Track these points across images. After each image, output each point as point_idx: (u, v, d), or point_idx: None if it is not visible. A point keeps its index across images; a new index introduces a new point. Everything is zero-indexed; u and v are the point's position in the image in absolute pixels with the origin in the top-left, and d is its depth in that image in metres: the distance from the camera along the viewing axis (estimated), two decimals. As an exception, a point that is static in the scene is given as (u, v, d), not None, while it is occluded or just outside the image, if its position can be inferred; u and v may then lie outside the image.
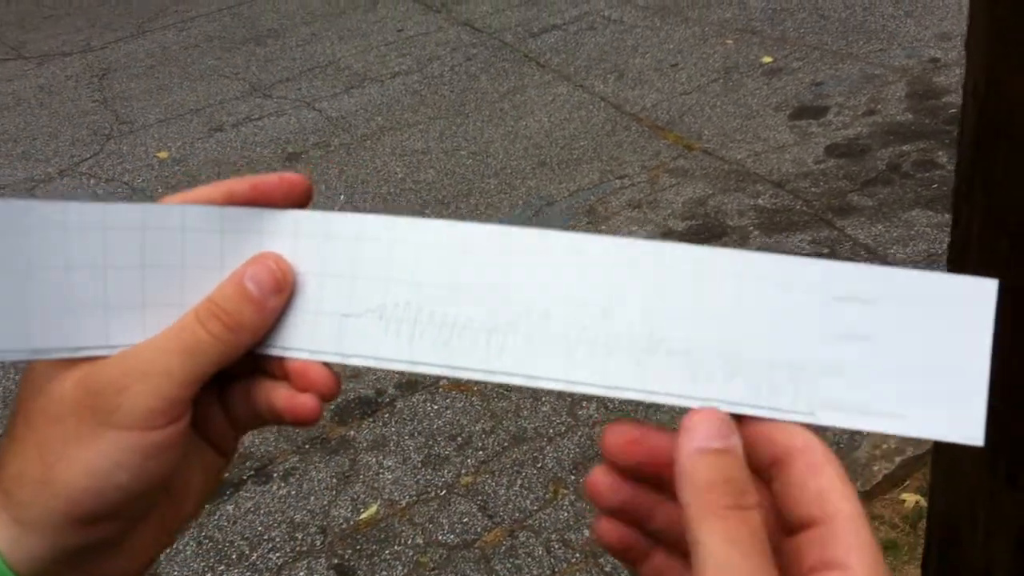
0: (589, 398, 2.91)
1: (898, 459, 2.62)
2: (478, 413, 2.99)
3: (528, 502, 2.68)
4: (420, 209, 4.20)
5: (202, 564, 2.64)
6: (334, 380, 0.49)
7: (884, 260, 3.40)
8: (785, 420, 0.42)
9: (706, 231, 3.74)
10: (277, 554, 2.63)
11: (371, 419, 3.05)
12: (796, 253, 3.45)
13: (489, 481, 2.76)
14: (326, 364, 0.49)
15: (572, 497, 2.67)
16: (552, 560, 2.50)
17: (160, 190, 4.62)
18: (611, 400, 2.84)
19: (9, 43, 6.91)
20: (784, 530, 0.40)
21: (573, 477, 2.73)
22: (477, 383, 3.02)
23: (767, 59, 5.10)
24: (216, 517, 2.76)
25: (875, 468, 2.60)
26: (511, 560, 2.52)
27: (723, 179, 4.10)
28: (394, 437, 2.96)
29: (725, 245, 3.59)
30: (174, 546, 2.68)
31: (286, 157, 4.82)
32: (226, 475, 2.84)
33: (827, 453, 0.41)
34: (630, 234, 3.78)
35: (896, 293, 0.43)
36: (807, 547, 0.39)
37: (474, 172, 4.46)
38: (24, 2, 7.78)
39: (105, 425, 0.44)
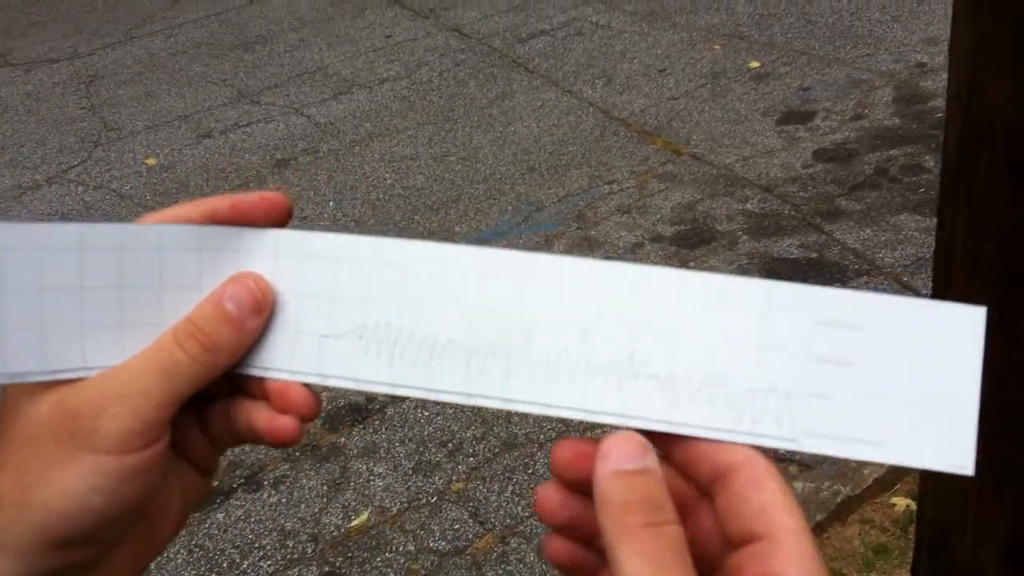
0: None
1: (887, 462, 2.63)
2: (469, 419, 2.99)
3: (519, 508, 2.68)
4: (409, 215, 4.20)
5: (193, 573, 2.63)
6: (314, 401, 0.48)
7: (872, 263, 3.42)
8: (766, 445, 0.42)
9: (695, 236, 3.75)
10: (268, 562, 2.62)
11: (361, 426, 3.05)
12: (785, 257, 3.47)
13: (480, 487, 2.76)
14: (306, 384, 0.48)
15: (563, 503, 2.67)
16: (544, 566, 2.50)
17: (148, 197, 4.61)
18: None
19: (-4, 50, 6.89)
20: (728, 546, 0.40)
21: (564, 483, 2.73)
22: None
23: (755, 64, 5.12)
24: (206, 525, 2.76)
25: (865, 472, 2.61)
26: (502, 566, 2.52)
27: (711, 184, 4.11)
28: (385, 444, 2.96)
29: (714, 250, 3.61)
30: (164, 554, 2.67)
31: (274, 163, 4.81)
32: (216, 483, 2.84)
33: (768, 467, 0.41)
34: (619, 239, 3.79)
35: (882, 319, 0.42)
36: (748, 561, 0.39)
37: (463, 178, 4.46)
38: (10, 9, 7.76)
39: (83, 448, 0.43)
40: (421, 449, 2.92)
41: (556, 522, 0.45)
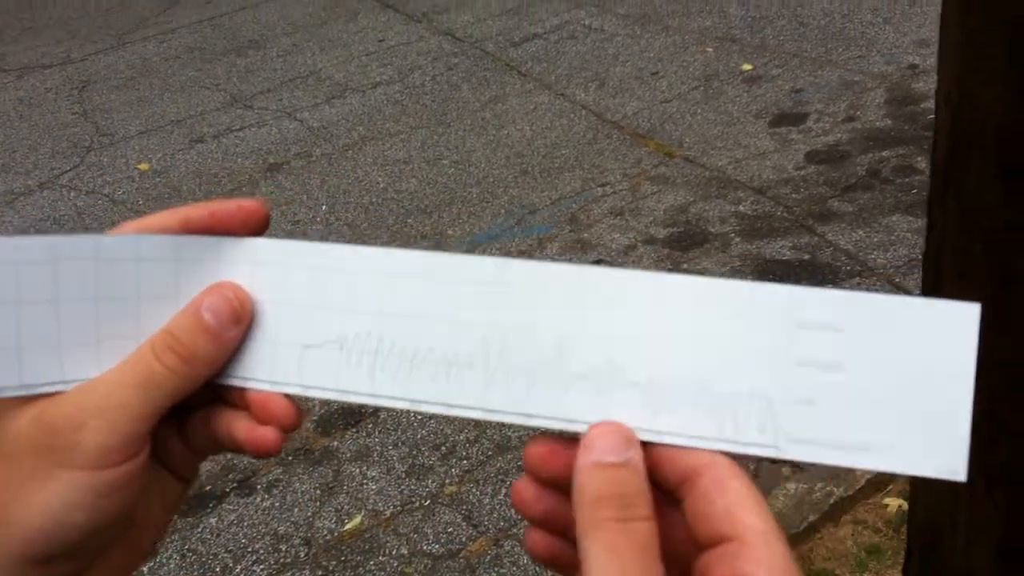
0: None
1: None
2: (462, 423, 2.99)
3: (513, 511, 2.67)
4: (403, 219, 4.20)
5: (186, 578, 2.62)
6: (295, 411, 0.48)
7: (864, 265, 3.42)
8: (750, 453, 0.41)
9: (688, 238, 3.75)
10: (261, 566, 2.62)
11: (354, 429, 3.05)
12: (777, 259, 3.48)
13: (474, 490, 2.76)
14: (287, 395, 0.48)
15: (557, 506, 2.67)
16: (537, 569, 2.49)
17: (141, 202, 4.61)
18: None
19: (-12, 55, 6.88)
20: (697, 548, 0.40)
21: (557, 486, 2.73)
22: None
23: (747, 67, 5.13)
24: (199, 530, 2.75)
25: (858, 472, 2.61)
26: (496, 569, 2.51)
27: (704, 186, 4.11)
28: (378, 447, 2.96)
29: (707, 252, 3.61)
30: (157, 559, 2.66)
31: (267, 168, 4.81)
32: (208, 488, 2.84)
33: (731, 468, 0.40)
34: (612, 241, 3.79)
35: (868, 319, 0.41)
36: (717, 563, 0.38)
37: (456, 181, 4.46)
38: (3, 14, 7.75)
39: (62, 464, 0.43)
40: (414, 452, 2.92)
41: (532, 515, 0.45)
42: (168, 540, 2.72)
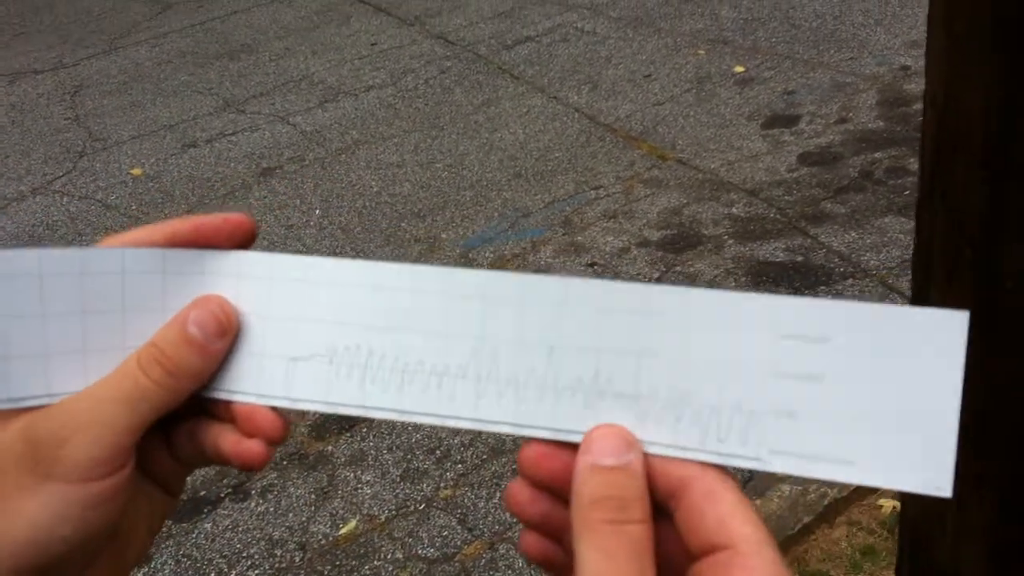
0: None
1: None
2: (456, 426, 2.99)
3: (507, 515, 2.68)
4: (396, 222, 4.20)
5: (180, 583, 2.62)
6: (282, 424, 0.48)
7: (857, 266, 3.43)
8: (732, 465, 0.41)
9: (681, 240, 3.76)
10: (256, 571, 2.61)
11: (349, 434, 3.05)
12: (770, 261, 3.48)
13: (468, 494, 2.76)
14: (274, 408, 0.48)
15: (551, 508, 2.67)
16: (532, 572, 2.50)
17: (134, 207, 4.60)
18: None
19: (-20, 61, 6.87)
20: (689, 558, 0.40)
21: (552, 488, 2.73)
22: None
23: (739, 69, 5.14)
24: (194, 535, 2.75)
25: (851, 474, 2.62)
26: (491, 573, 2.51)
27: (697, 188, 4.12)
28: (372, 452, 2.96)
29: (700, 254, 3.61)
30: (151, 565, 2.66)
31: (260, 172, 4.81)
32: (203, 493, 2.84)
33: (720, 477, 0.40)
34: (606, 244, 3.80)
35: (850, 328, 0.40)
36: (710, 571, 0.38)
37: (449, 184, 4.46)
38: (-5, 20, 7.74)
39: (48, 477, 0.43)
40: (409, 456, 2.92)
41: (527, 518, 0.45)
42: (163, 545, 2.71)
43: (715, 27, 5.71)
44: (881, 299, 3.24)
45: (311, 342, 0.47)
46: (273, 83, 5.87)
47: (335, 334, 0.47)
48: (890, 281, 3.32)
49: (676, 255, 3.67)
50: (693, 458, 0.41)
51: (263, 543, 2.69)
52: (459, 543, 2.62)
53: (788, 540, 2.48)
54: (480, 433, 2.94)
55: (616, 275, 3.57)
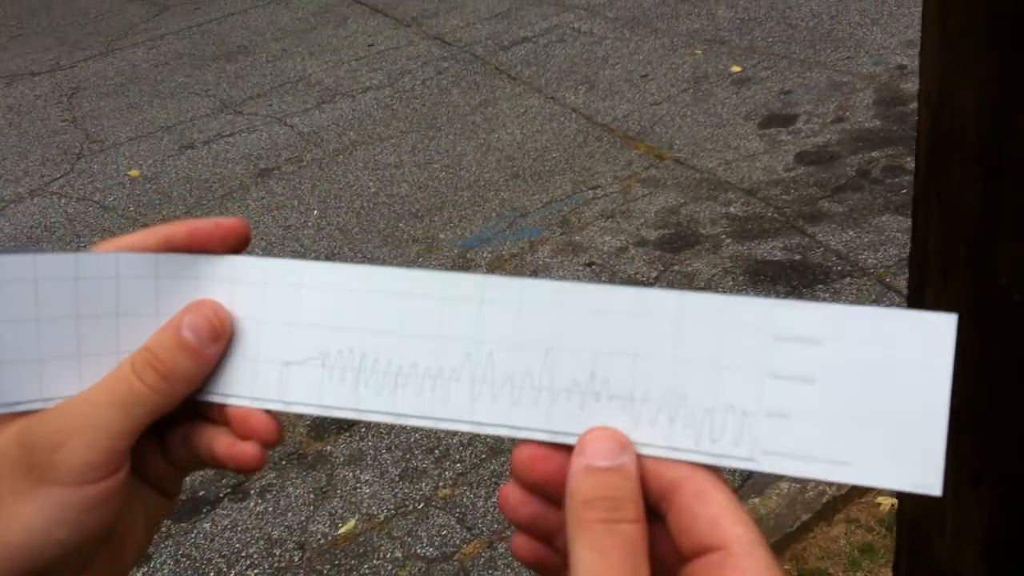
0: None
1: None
2: (455, 426, 2.99)
3: (506, 514, 2.68)
4: (394, 223, 4.21)
5: (180, 584, 2.62)
6: (276, 427, 0.48)
7: (855, 265, 3.44)
8: (726, 466, 0.42)
9: (679, 240, 3.76)
10: (255, 571, 2.62)
11: (347, 433, 3.05)
12: (768, 260, 3.49)
13: (467, 493, 2.76)
14: (268, 410, 0.48)
15: (550, 508, 2.67)
16: (531, 572, 2.50)
17: (132, 208, 4.60)
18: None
19: (-23, 63, 6.87)
20: (681, 559, 0.41)
21: (550, 488, 2.73)
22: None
23: (736, 68, 5.14)
24: (193, 535, 2.75)
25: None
26: (490, 572, 2.52)
27: (695, 188, 4.13)
28: (371, 451, 2.96)
29: (698, 253, 3.62)
30: (151, 564, 2.66)
31: (258, 173, 4.81)
32: (202, 493, 2.84)
33: (712, 478, 0.41)
34: (604, 244, 3.80)
35: (842, 331, 0.41)
36: (702, 572, 0.39)
37: (447, 185, 4.47)
38: (-8, 22, 7.73)
39: (43, 481, 0.43)
40: (408, 456, 2.92)
41: (518, 519, 0.46)
42: (162, 545, 2.71)
43: (712, 27, 5.71)
44: (879, 297, 3.24)
45: (305, 346, 0.48)
46: (270, 84, 5.87)
47: (329, 338, 0.48)
48: (888, 279, 3.33)
49: (674, 254, 3.68)
50: (687, 459, 0.42)
51: (262, 543, 2.70)
52: (458, 542, 2.62)
53: (787, 538, 2.49)
54: (478, 433, 2.94)
55: (614, 274, 3.57)
